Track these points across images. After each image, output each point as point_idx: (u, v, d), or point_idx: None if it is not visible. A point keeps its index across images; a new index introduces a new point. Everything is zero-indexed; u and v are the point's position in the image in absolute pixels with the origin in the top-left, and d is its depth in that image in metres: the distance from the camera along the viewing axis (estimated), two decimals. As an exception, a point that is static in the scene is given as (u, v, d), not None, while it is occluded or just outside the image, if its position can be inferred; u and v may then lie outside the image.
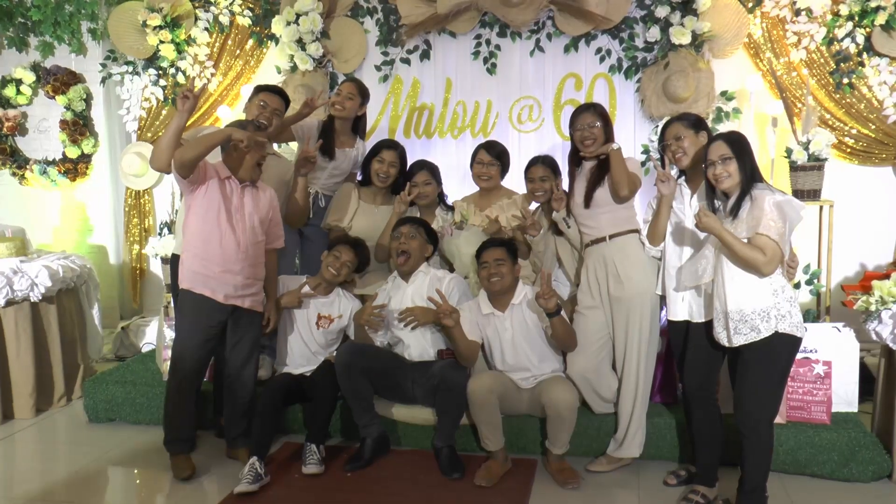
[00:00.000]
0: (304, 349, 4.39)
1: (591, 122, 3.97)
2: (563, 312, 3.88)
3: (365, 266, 4.50)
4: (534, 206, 4.54)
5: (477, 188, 4.70)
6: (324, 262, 4.34)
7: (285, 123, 4.64)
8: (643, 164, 5.38)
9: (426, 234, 4.31)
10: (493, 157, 4.55)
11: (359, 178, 4.90)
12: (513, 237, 4.34)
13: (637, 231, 3.94)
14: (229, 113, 6.02)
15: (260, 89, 4.51)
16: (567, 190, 4.22)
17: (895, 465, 3.80)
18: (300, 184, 4.50)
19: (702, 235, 3.46)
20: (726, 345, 3.31)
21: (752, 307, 3.22)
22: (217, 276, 3.87)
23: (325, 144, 4.68)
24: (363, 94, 4.84)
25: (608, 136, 3.97)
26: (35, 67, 6.39)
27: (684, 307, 3.61)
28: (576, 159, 4.12)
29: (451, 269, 4.55)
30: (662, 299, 3.84)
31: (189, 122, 4.63)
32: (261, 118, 4.33)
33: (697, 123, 3.65)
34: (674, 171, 3.69)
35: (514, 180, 4.72)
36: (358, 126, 4.94)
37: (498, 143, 4.68)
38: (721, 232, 3.19)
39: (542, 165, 4.34)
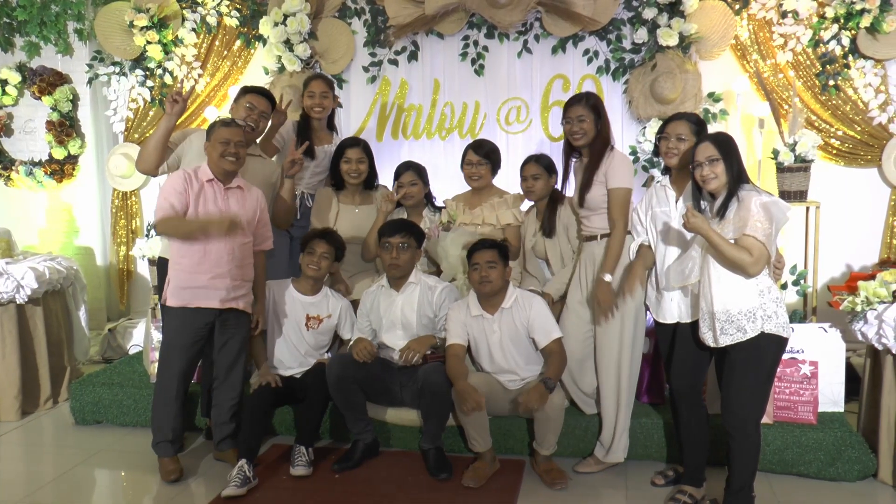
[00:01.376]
0: (294, 351, 4.38)
1: (580, 114, 3.91)
2: (552, 388, 3.87)
3: (342, 253, 4.44)
4: (527, 206, 4.55)
5: (468, 188, 4.70)
6: (302, 264, 4.34)
7: (267, 136, 4.64)
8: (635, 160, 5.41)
9: (416, 240, 4.29)
10: (481, 156, 4.55)
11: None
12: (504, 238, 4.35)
13: (628, 233, 3.93)
14: (217, 114, 6.00)
15: (246, 91, 4.49)
16: (561, 185, 4.22)
17: (880, 464, 3.83)
18: (287, 185, 4.49)
19: (688, 236, 3.47)
20: (712, 345, 3.32)
21: (738, 308, 3.23)
22: (207, 283, 3.85)
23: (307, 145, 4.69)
24: (332, 87, 4.89)
25: (600, 131, 3.93)
26: (21, 68, 6.36)
27: (673, 308, 3.61)
28: (569, 151, 4.10)
29: (438, 269, 4.55)
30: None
31: (177, 122, 4.62)
32: (248, 121, 4.32)
33: (700, 130, 3.62)
34: (657, 172, 3.70)
35: (507, 180, 4.72)
36: (331, 120, 4.95)
37: (487, 142, 4.67)
38: (708, 232, 3.20)
39: (534, 164, 4.35)
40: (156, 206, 3.86)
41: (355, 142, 4.76)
